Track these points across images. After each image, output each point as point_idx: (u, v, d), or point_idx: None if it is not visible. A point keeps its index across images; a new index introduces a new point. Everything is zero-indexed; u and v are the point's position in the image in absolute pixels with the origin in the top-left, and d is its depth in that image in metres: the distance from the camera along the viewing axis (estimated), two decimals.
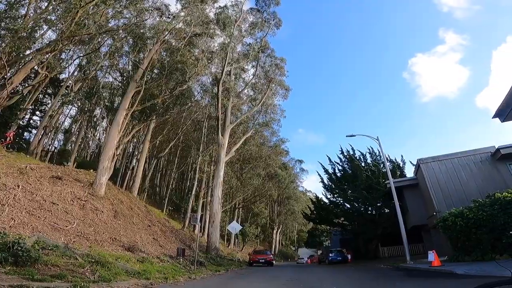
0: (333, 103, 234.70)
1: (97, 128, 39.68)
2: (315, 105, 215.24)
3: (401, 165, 30.92)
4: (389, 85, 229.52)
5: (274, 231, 57.54)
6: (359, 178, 28.39)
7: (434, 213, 17.76)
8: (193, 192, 32.88)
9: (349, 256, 27.32)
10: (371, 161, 31.21)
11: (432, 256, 12.46)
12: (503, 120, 11.63)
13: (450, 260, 13.83)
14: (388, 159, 29.68)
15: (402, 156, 61.06)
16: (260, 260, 24.78)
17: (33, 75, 24.06)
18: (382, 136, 21.68)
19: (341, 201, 31.57)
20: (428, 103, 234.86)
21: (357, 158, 31.55)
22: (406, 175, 28.69)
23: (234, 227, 25.57)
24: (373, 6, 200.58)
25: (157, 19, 21.91)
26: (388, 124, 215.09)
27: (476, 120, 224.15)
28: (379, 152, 29.18)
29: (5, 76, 14.89)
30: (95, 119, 36.57)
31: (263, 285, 10.27)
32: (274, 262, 27.28)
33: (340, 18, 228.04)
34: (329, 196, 33.12)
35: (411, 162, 36.02)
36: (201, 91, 32.99)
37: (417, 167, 20.87)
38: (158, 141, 34.58)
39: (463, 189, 17.41)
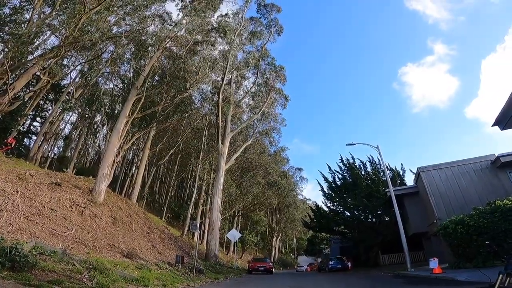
0: (328, 112, 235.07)
1: (97, 135, 39.67)
2: (309, 115, 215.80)
3: (401, 174, 30.95)
4: (381, 96, 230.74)
5: (274, 239, 57.14)
6: (359, 186, 28.34)
7: (435, 221, 17.70)
8: (193, 200, 32.70)
9: (349, 264, 27.13)
10: (371, 170, 31.19)
11: (434, 263, 12.37)
12: (502, 128, 11.59)
13: (451, 267, 13.75)
14: (388, 167, 29.65)
15: (402, 164, 61.13)
16: (260, 268, 24.53)
17: (34, 81, 24.10)
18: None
19: (341, 209, 31.45)
20: (420, 113, 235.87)
21: (357, 166, 31.54)
22: (406, 183, 28.69)
23: (234, 234, 25.46)
24: (359, 18, 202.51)
25: (159, 26, 22.08)
26: (381, 135, 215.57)
27: (467, 128, 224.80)
28: (379, 160, 29.21)
29: (7, 82, 14.93)
30: (95, 126, 36.68)
31: None
32: (273, 270, 27.01)
33: (329, 29, 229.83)
34: (329, 204, 33.09)
35: (411, 171, 35.98)
36: (201, 99, 33.10)
37: (417, 175, 20.89)
38: (158, 149, 34.48)
39: (463, 196, 17.43)
